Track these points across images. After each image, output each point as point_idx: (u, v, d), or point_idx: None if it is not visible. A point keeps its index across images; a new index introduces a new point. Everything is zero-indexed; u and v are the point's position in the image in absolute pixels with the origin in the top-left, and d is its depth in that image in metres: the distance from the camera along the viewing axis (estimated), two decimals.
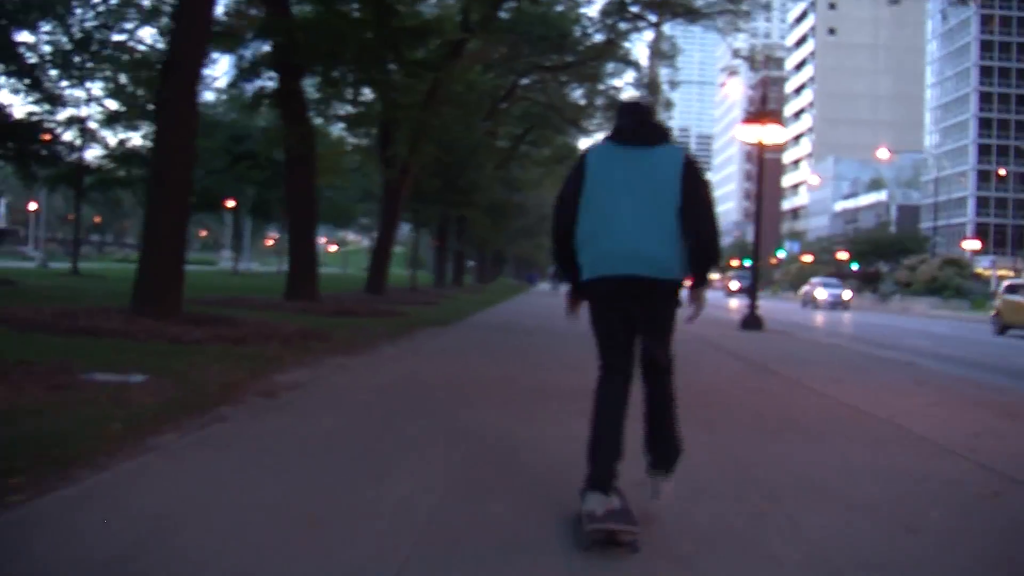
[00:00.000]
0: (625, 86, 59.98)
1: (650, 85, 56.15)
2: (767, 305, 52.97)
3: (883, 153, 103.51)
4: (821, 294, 66.42)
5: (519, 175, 70.23)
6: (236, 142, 55.13)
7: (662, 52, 56.06)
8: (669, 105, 58.68)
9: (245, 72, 28.03)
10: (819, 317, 50.06)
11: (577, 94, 60.74)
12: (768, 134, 30.07)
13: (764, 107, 30.70)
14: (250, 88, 28.62)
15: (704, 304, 6.05)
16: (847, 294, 67.78)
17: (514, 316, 30.98)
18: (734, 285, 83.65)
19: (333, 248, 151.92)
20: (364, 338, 17.26)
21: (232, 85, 29.80)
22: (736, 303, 60.84)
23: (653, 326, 5.84)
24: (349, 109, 35.81)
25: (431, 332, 20.79)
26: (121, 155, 44.12)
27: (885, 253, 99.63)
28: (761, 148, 30.43)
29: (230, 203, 67.06)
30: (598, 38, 50.64)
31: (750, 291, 31.34)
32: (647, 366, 5.90)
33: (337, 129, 43.26)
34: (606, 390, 5.74)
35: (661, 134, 5.82)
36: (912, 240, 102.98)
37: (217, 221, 74.96)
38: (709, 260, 5.70)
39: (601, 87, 57.80)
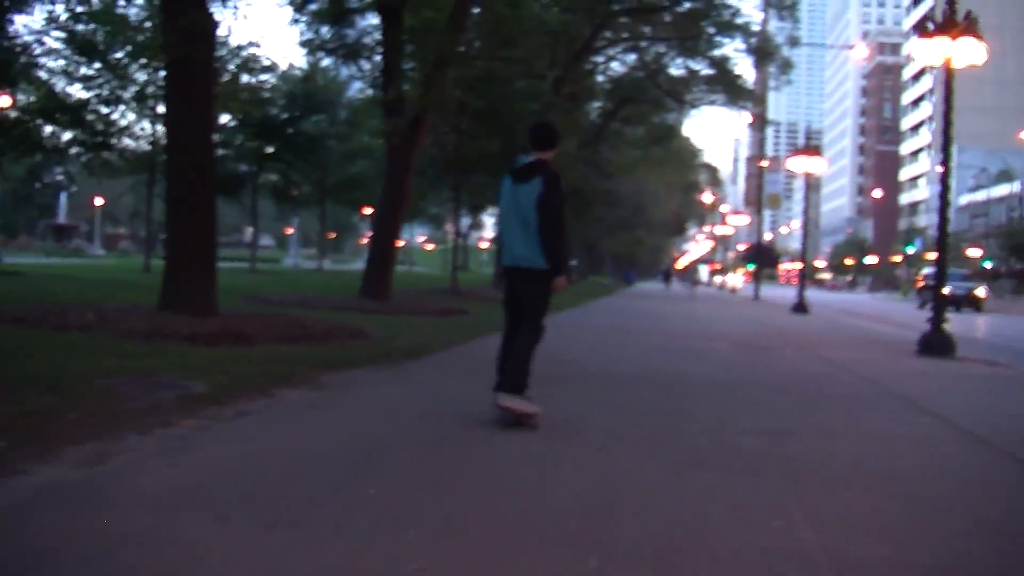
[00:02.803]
0: (735, 52, 50.01)
1: (759, 50, 45.81)
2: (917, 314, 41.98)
3: None
4: None
5: (611, 158, 59.73)
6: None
7: (778, 1, 45.36)
8: (787, 67, 48.08)
9: None
10: (995, 329, 38.10)
11: (677, 66, 51.02)
12: (960, 51, 19.75)
13: (952, 14, 20.00)
14: None
15: (561, 286, 8.67)
16: None
17: (564, 334, 20.28)
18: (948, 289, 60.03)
19: (431, 247, 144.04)
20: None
21: None
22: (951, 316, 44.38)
23: (525, 298, 8.72)
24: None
25: (341, 386, 10.50)
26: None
27: None
28: (949, 71, 19.87)
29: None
30: None
31: (934, 298, 20.61)
32: (521, 323, 8.74)
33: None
34: (506, 335, 8.90)
35: (534, 172, 8.59)
36: None
37: (236, 207, 63.88)
38: (554, 258, 8.52)
39: (703, 42, 47.26)
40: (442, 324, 20.28)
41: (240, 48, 28.54)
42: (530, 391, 8.56)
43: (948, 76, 20.20)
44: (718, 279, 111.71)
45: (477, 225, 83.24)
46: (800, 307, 39.16)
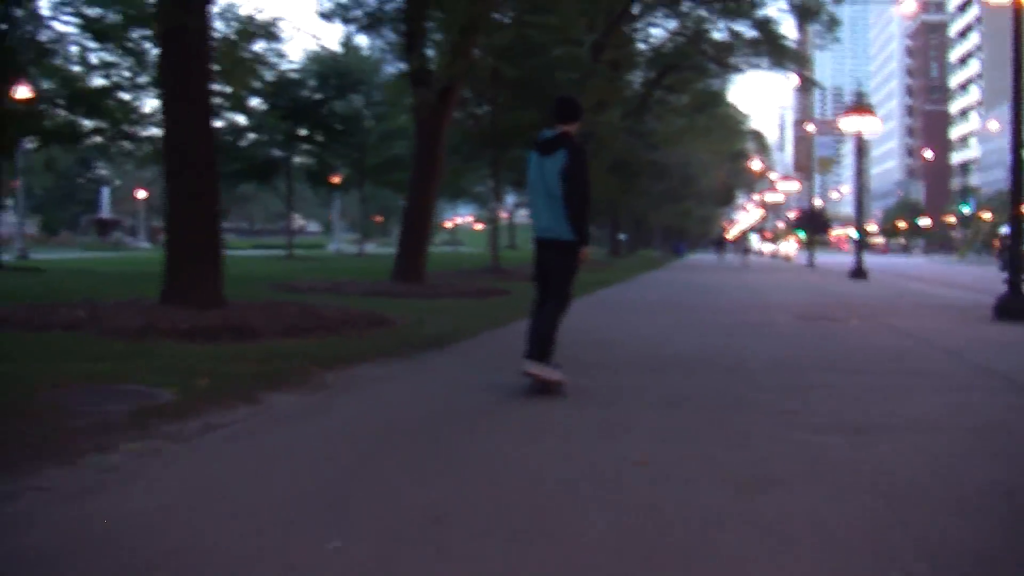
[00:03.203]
0: (778, 12, 48.06)
1: (803, 8, 44.41)
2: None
3: None
4: None
5: (656, 128, 58.11)
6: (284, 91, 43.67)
7: None
8: (834, 23, 46.34)
9: None
10: None
11: (719, 29, 49.74)
12: None
13: None
14: None
15: (586, 256, 8.98)
16: None
17: (611, 311, 19.30)
18: None
19: (480, 227, 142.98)
20: None
21: None
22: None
23: (552, 268, 8.94)
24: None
25: (343, 386, 9.06)
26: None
27: None
28: (1019, 8, 18.29)
29: (335, 179, 56.48)
30: None
31: (1011, 258, 18.93)
32: (549, 293, 8.98)
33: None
34: (535, 305, 9.10)
35: (558, 144, 8.74)
36: None
37: (268, 191, 61.55)
38: (579, 229, 8.76)
39: (745, 3, 45.51)
40: (478, 306, 18.70)
41: (249, 18, 26.78)
42: (563, 371, 8.81)
43: (1018, 8, 18.53)
44: (770, 247, 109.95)
45: (525, 203, 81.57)
46: (858, 273, 37.42)
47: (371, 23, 25.13)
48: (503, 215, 42.83)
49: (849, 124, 40.26)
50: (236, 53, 19.49)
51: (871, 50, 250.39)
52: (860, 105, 40.52)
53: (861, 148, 43.32)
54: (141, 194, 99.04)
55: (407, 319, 14.79)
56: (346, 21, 25.08)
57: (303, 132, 47.55)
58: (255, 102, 42.88)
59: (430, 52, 24.36)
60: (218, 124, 41.37)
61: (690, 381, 9.72)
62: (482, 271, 32.92)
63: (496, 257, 34.30)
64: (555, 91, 31.98)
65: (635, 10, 44.66)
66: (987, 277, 42.18)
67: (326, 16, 25.01)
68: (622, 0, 39.71)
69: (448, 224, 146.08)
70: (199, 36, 14.27)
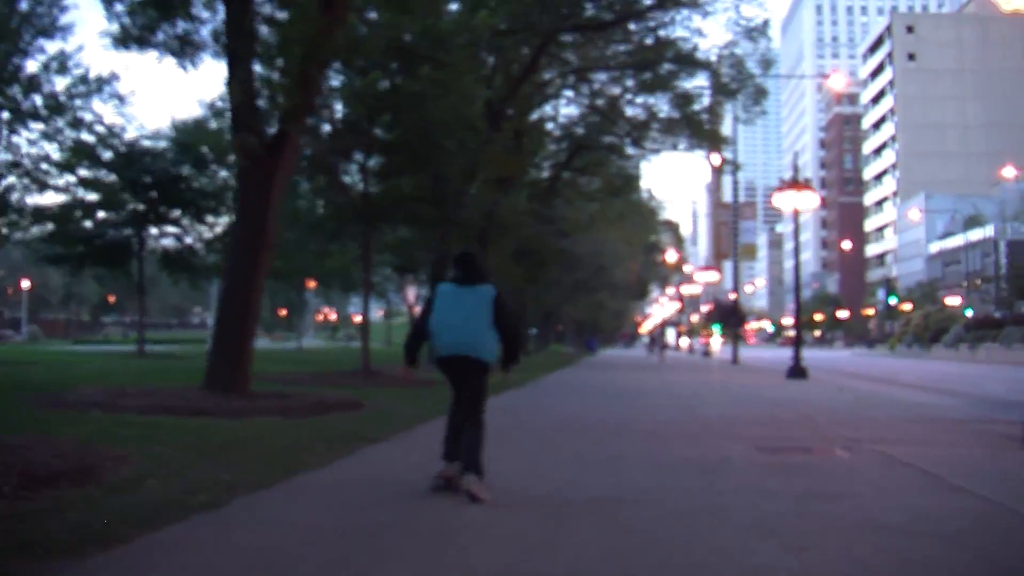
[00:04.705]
0: (697, 88, 43.56)
1: (715, 82, 39.82)
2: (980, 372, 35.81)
3: (1009, 172, 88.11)
4: None
5: (565, 214, 53.67)
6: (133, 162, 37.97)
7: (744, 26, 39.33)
8: (760, 93, 41.70)
9: None
10: None
11: (634, 106, 46.25)
12: None
13: None
14: None
15: (509, 372, 9.41)
16: None
17: (500, 436, 13.00)
18: None
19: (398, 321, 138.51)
20: None
21: None
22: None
23: (470, 385, 9.21)
24: None
25: None
26: None
27: None
28: None
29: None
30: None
31: None
32: (466, 410, 9.21)
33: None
34: (451, 412, 9.43)
35: (481, 279, 9.33)
36: None
37: (123, 278, 53.36)
38: (513, 352, 9.34)
39: (661, 77, 40.85)
40: (299, 432, 12.34)
41: None
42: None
43: None
44: (685, 342, 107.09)
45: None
46: (797, 371, 32.29)
47: (184, 47, 18.97)
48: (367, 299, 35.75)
49: (784, 200, 35.65)
50: None
51: (784, 143, 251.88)
52: (796, 180, 35.77)
53: (798, 227, 38.62)
54: (25, 283, 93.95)
55: (141, 465, 8.88)
56: (144, 46, 18.92)
57: (162, 210, 40.78)
58: (102, 173, 37.25)
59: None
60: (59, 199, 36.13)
61: None
62: (349, 373, 27.00)
63: (367, 358, 27.88)
64: (440, 157, 26.70)
65: (544, 77, 39.98)
66: (937, 373, 37.93)
67: (118, 42, 18.89)
68: (524, 59, 34.66)
69: (357, 318, 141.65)
70: None
